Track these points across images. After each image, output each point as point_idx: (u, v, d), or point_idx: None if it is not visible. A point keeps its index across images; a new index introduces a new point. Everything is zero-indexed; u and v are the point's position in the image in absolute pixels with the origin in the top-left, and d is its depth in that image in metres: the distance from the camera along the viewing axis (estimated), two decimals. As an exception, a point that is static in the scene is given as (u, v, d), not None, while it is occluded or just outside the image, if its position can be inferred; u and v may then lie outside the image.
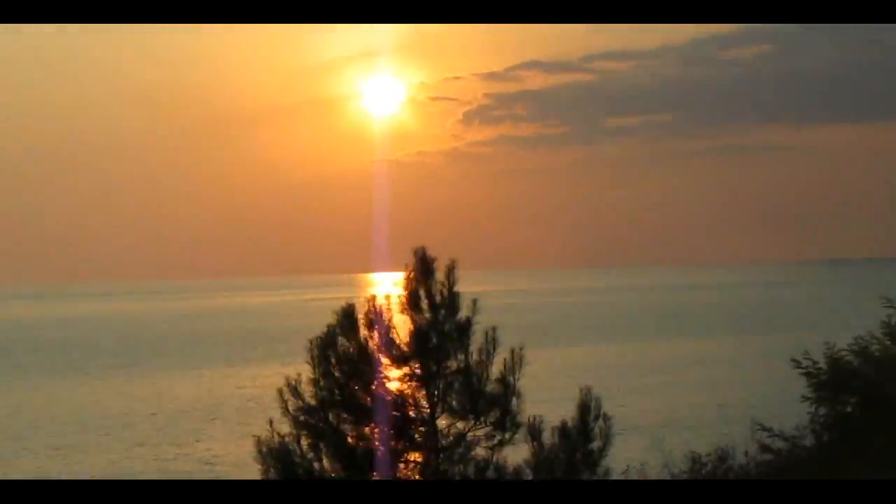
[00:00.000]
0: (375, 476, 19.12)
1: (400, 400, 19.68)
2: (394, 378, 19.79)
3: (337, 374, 19.61)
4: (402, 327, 20.01)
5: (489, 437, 19.82)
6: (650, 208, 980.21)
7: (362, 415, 19.52)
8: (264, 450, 19.25)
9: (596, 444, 19.78)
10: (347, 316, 19.90)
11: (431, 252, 19.90)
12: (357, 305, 20.06)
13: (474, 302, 20.23)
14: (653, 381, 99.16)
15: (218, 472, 58.90)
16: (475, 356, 19.96)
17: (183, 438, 73.61)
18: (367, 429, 19.53)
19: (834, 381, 22.81)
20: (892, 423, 21.48)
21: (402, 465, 19.45)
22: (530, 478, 19.26)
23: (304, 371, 19.86)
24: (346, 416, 19.51)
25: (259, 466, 19.33)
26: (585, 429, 19.81)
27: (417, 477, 19.26)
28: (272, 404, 20.64)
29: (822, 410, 23.08)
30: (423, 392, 19.75)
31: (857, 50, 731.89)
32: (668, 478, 22.09)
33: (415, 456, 19.66)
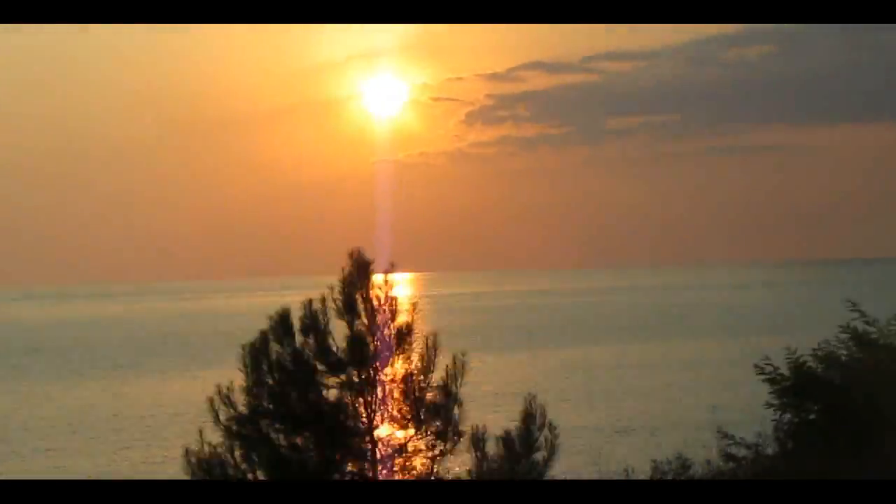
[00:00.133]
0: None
1: (336, 409, 18.97)
2: (330, 386, 19.09)
3: (270, 381, 18.90)
4: (341, 333, 19.35)
5: (430, 447, 19.12)
6: (652, 208, 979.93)
7: (297, 424, 18.80)
8: (193, 460, 18.54)
9: (541, 455, 19.08)
10: (282, 321, 19.22)
11: (369, 253, 19.32)
12: (292, 310, 19.46)
13: (414, 306, 19.61)
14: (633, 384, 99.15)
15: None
16: (416, 363, 19.29)
17: (172, 441, 73.56)
18: (301, 439, 18.83)
19: (798, 387, 22.20)
20: (858, 430, 20.92)
21: (337, 477, 18.72)
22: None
23: (237, 378, 19.16)
24: (279, 425, 18.79)
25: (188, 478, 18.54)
26: (530, 439, 19.18)
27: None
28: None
29: (787, 417, 22.41)
30: (361, 400, 19.05)
31: (860, 50, 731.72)
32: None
33: (351, 466, 18.93)
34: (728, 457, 22.68)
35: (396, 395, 19.14)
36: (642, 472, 23.62)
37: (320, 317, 19.15)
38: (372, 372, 19.06)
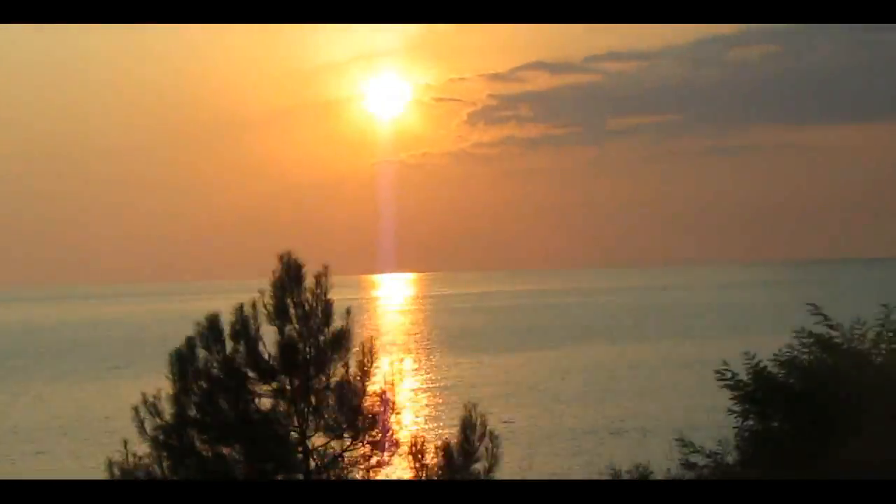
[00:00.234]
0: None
1: (267, 418, 18.16)
2: (261, 394, 18.31)
3: (198, 389, 18.07)
4: (274, 339, 18.58)
5: (366, 457, 18.35)
6: (655, 208, 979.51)
7: (226, 434, 17.97)
8: (117, 472, 17.71)
9: (481, 465, 18.36)
10: (212, 326, 18.32)
11: (303, 257, 18.49)
12: (222, 316, 18.50)
13: (348, 311, 18.80)
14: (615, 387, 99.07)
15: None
16: (352, 370, 18.49)
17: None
18: (229, 449, 18.00)
19: (759, 393, 21.41)
20: (821, 436, 20.29)
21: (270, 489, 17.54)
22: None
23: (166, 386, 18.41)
24: (205, 435, 17.94)
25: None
26: (469, 448, 18.40)
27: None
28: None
29: (748, 424, 21.64)
30: (293, 409, 18.23)
31: (861, 50, 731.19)
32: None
33: (283, 478, 18.11)
34: (688, 466, 21.85)
35: (331, 403, 18.39)
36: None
37: (251, 322, 18.34)
38: (305, 379, 18.30)
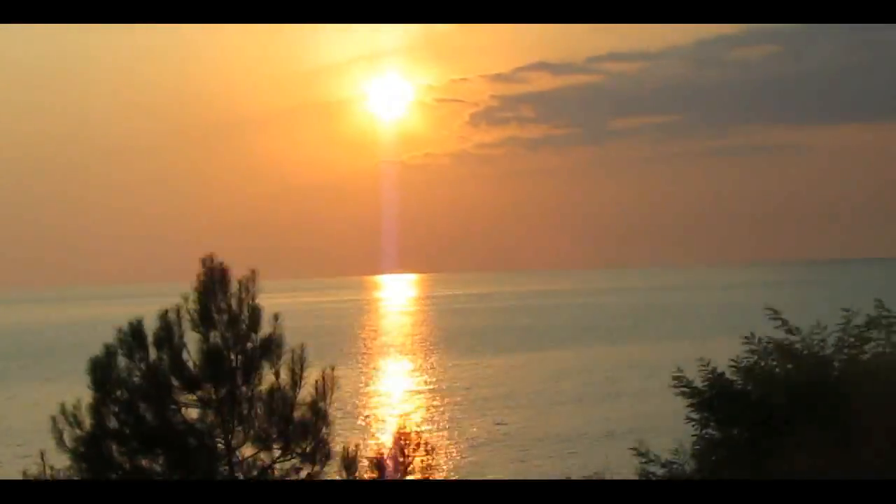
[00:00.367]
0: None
1: (191, 428, 17.43)
2: (186, 403, 17.54)
3: (120, 399, 17.29)
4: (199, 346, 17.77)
5: (297, 469, 17.67)
6: (657, 208, 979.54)
7: (146, 445, 17.24)
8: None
9: (415, 478, 17.72)
10: (135, 333, 17.56)
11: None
12: (145, 322, 17.70)
13: (276, 317, 17.96)
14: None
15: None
16: (282, 378, 17.73)
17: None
18: (149, 461, 17.31)
19: (716, 401, 20.62)
20: (781, 444, 19.52)
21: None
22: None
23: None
24: (128, 447, 17.22)
25: None
26: (403, 461, 17.77)
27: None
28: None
29: (706, 432, 20.80)
30: (220, 420, 17.47)
31: (864, 50, 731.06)
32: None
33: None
34: (644, 475, 21.00)
35: (260, 412, 17.64)
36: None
37: (175, 329, 17.57)
38: (232, 388, 17.52)
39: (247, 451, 17.65)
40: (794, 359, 20.78)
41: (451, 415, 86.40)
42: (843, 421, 19.50)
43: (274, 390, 17.74)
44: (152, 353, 17.56)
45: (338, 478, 17.67)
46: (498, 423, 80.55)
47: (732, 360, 20.95)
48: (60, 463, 17.40)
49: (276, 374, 17.78)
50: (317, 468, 17.64)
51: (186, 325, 17.67)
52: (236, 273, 18.13)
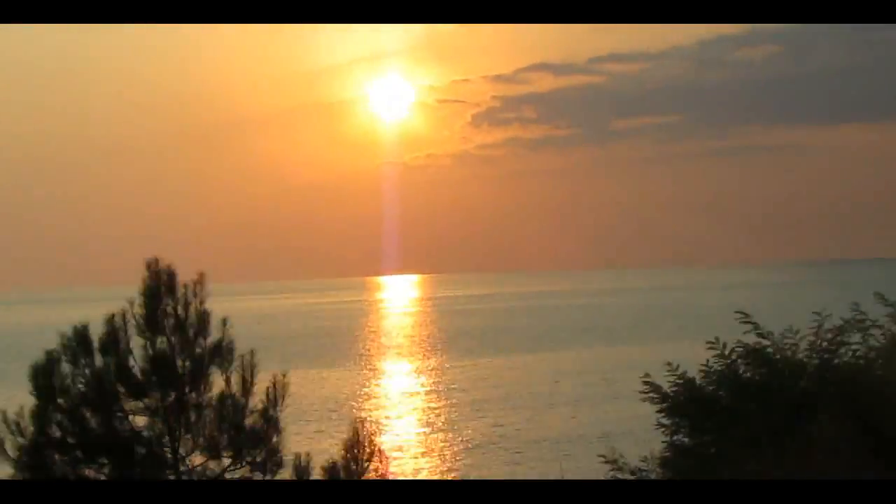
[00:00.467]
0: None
1: (137, 437, 16.97)
2: (132, 411, 17.08)
3: (63, 407, 16.81)
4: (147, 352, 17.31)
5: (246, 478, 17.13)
6: (659, 209, 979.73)
7: (90, 455, 16.78)
8: None
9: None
10: (80, 338, 17.08)
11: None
12: (91, 327, 17.22)
13: (224, 322, 17.44)
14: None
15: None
16: (234, 385, 17.26)
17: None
18: (93, 471, 16.84)
19: (685, 406, 19.99)
20: (751, 452, 18.95)
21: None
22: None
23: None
24: (71, 456, 16.74)
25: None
26: (358, 468, 17.26)
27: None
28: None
29: (676, 440, 20.15)
30: (167, 428, 17.01)
31: (866, 50, 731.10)
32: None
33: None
34: None
35: (209, 421, 17.15)
36: None
37: (121, 334, 17.10)
38: (179, 395, 17.08)
39: (196, 459, 17.21)
40: (766, 363, 19.97)
41: (448, 416, 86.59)
42: (814, 426, 18.99)
43: (224, 397, 17.29)
44: (98, 360, 17.11)
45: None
46: (494, 426, 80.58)
47: (703, 364, 20.41)
48: (3, 472, 17.01)
49: (227, 381, 17.34)
50: (269, 476, 17.26)
51: (133, 330, 17.24)
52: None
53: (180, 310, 17.25)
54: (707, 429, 20.09)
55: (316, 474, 17.16)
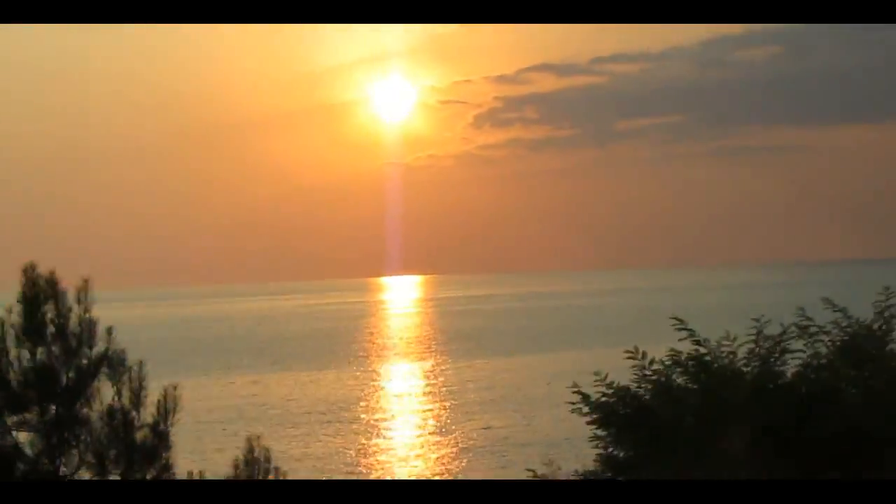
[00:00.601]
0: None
1: (20, 453, 16.15)
2: (11, 427, 16.22)
3: None
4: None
5: None
6: (661, 209, 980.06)
7: None
8: None
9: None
10: None
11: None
12: None
13: (109, 331, 16.63)
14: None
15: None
16: (124, 398, 16.41)
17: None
18: None
19: (614, 417, 19.19)
20: (690, 465, 18.21)
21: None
22: None
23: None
24: None
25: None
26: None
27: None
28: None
29: (610, 452, 19.25)
30: (48, 444, 16.19)
31: (867, 50, 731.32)
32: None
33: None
34: None
35: (94, 436, 16.29)
36: None
37: None
38: (63, 409, 16.21)
39: (83, 475, 16.38)
40: (701, 372, 19.15)
41: (445, 417, 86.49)
42: (753, 437, 18.49)
43: (113, 410, 16.42)
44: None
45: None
46: (484, 428, 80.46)
47: (635, 373, 19.52)
48: None
49: (119, 393, 16.47)
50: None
51: (12, 339, 16.33)
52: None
53: (63, 318, 16.38)
54: (638, 440, 19.28)
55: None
